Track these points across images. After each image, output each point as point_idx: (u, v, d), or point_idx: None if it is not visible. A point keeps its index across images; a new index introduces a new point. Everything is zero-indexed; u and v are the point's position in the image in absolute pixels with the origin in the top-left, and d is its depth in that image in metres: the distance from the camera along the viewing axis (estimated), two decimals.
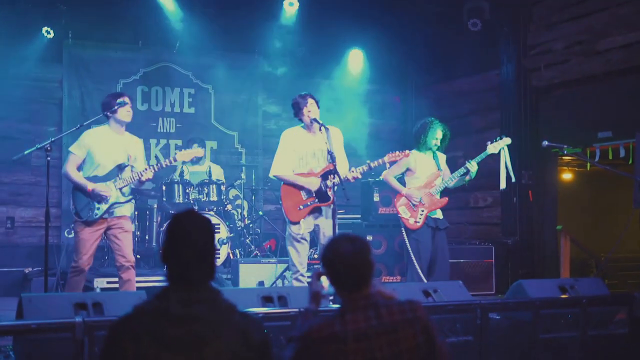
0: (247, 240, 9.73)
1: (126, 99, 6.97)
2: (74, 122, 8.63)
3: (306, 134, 7.19)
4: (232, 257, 9.25)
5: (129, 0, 10.18)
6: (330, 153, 6.83)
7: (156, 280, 8.63)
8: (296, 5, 9.82)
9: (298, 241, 7.09)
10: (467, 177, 7.80)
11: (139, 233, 9.72)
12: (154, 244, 9.63)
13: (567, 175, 12.00)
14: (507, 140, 7.85)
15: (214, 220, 9.15)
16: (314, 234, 7.23)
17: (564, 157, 10.53)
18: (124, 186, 6.83)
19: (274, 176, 7.28)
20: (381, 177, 8.10)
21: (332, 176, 6.84)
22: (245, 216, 9.96)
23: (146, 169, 6.82)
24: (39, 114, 10.44)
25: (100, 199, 6.68)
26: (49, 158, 6.47)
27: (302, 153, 7.15)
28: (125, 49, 11.03)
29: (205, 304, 2.85)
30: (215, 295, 2.92)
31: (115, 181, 6.79)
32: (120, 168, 6.86)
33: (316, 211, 7.11)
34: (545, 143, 7.58)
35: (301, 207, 7.06)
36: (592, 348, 6.15)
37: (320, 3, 10.39)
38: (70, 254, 7.43)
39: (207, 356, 2.77)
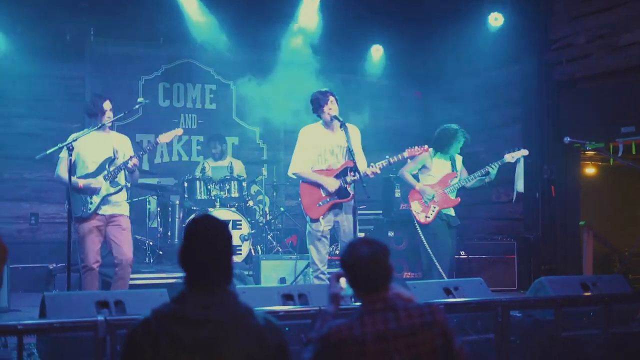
0: (269, 237, 9.76)
1: (105, 106, 7.13)
2: None
3: (325, 131, 7.20)
4: (253, 253, 9.28)
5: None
6: (349, 150, 6.85)
7: (178, 277, 8.68)
8: (316, 1, 9.77)
9: (318, 239, 7.11)
10: (487, 179, 7.87)
11: (161, 229, 9.80)
12: (176, 240, 9.70)
13: (590, 170, 11.89)
14: (524, 152, 7.99)
15: (235, 216, 9.19)
16: (334, 230, 7.24)
17: (586, 152, 10.44)
18: (114, 177, 7.00)
19: (293, 174, 7.31)
20: (399, 173, 8.18)
21: (351, 173, 6.87)
22: (267, 212, 9.99)
23: (132, 157, 6.99)
24: (61, 111, 10.52)
25: (92, 192, 6.91)
26: (70, 157, 6.53)
27: (321, 150, 7.17)
28: (147, 46, 11.13)
29: (222, 307, 2.88)
30: (232, 298, 2.95)
31: (105, 175, 6.97)
32: (109, 162, 7.04)
33: (336, 207, 7.13)
34: (567, 139, 7.61)
35: (320, 203, 7.07)
36: (614, 346, 6.12)
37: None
38: None
39: (224, 359, 2.80)
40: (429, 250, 7.78)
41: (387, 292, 3.26)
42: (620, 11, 8.90)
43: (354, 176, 6.84)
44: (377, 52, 11.63)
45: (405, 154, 7.25)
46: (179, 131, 7.40)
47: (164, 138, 7.20)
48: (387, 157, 7.16)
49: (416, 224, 7.95)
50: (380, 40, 11.49)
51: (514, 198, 8.32)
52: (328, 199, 7.07)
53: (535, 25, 9.95)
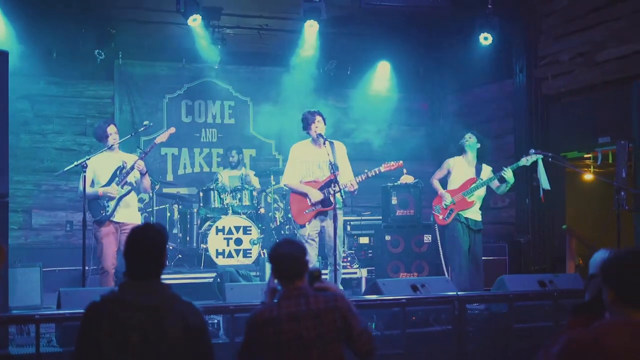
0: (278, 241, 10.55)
1: (109, 130, 8.10)
2: (125, 134, 9.45)
3: (312, 147, 8.09)
4: (263, 256, 10.14)
5: (171, 24, 11.17)
6: (332, 164, 7.72)
7: (195, 277, 9.66)
8: (316, 26, 10.54)
9: (306, 242, 7.98)
10: (505, 183, 8.71)
11: (180, 235, 10.74)
12: (194, 244, 10.59)
13: (589, 176, 12.47)
14: (539, 155, 8.63)
15: (246, 222, 10.07)
16: (321, 235, 8.10)
17: (584, 160, 11.05)
18: (124, 181, 7.96)
19: (284, 185, 8.25)
20: (430, 181, 9.18)
21: (333, 184, 7.73)
22: (277, 218, 10.81)
23: (137, 160, 7.91)
24: (93, 127, 11.44)
25: (110, 198, 7.89)
26: (84, 173, 7.52)
27: (309, 164, 8.06)
28: (170, 67, 12.10)
29: (152, 293, 3.70)
30: (161, 287, 3.75)
31: (117, 180, 7.95)
32: (119, 170, 8.00)
33: (321, 214, 7.99)
34: (532, 151, 8.36)
35: (307, 211, 7.97)
36: None
37: (349, 19, 11.23)
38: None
39: (151, 336, 3.62)
40: (440, 249, 8.78)
41: (301, 282, 4.12)
42: (597, 30, 9.61)
43: (334, 188, 7.69)
44: (385, 68, 12.39)
45: (382, 169, 8.10)
46: (172, 130, 8.36)
47: (160, 139, 8.19)
48: (366, 171, 8.00)
49: (436, 226, 9.15)
50: (388, 57, 12.27)
51: (542, 195, 8.97)
52: (313, 208, 7.96)
53: (525, 43, 10.69)
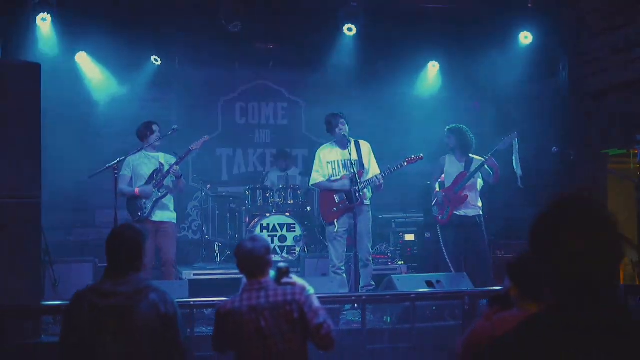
0: (321, 238, 10.90)
1: (154, 127, 8.69)
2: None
3: (337, 148, 8.46)
4: (305, 252, 10.49)
5: (224, 28, 11.59)
6: (352, 163, 8.02)
7: (239, 273, 10.06)
8: (354, 29, 10.74)
9: (335, 239, 8.34)
10: (491, 173, 8.87)
11: (230, 232, 11.18)
12: None
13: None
14: (513, 136, 8.94)
15: (289, 220, 10.44)
16: (350, 232, 8.39)
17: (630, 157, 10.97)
18: (161, 184, 8.48)
19: (312, 185, 8.59)
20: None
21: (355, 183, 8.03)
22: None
23: (172, 164, 8.47)
24: (136, 127, 12.06)
25: (146, 195, 8.43)
26: (116, 175, 8.02)
27: (335, 164, 8.40)
28: (225, 71, 12.55)
29: (127, 284, 4.14)
30: (137, 279, 4.20)
31: (154, 183, 8.50)
32: (157, 172, 8.56)
33: (350, 211, 8.32)
34: (555, 149, 8.44)
35: (335, 209, 8.29)
36: None
37: (392, 20, 11.42)
38: None
39: (126, 322, 4.06)
40: (444, 252, 8.85)
41: (263, 277, 4.44)
42: (632, 27, 9.55)
43: (355, 187, 7.98)
44: (433, 68, 12.53)
45: (405, 163, 8.35)
46: (205, 138, 8.88)
47: (195, 146, 8.70)
48: (388, 167, 8.29)
49: (437, 225, 9.17)
50: (435, 56, 12.40)
51: (519, 182, 9.10)
52: (341, 205, 8.28)
53: (565, 42, 10.69)
